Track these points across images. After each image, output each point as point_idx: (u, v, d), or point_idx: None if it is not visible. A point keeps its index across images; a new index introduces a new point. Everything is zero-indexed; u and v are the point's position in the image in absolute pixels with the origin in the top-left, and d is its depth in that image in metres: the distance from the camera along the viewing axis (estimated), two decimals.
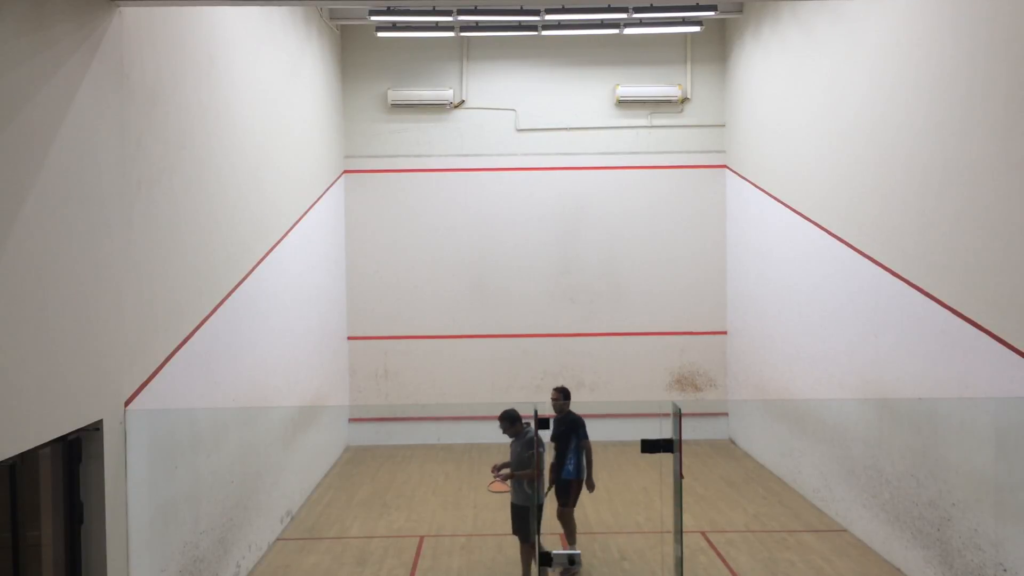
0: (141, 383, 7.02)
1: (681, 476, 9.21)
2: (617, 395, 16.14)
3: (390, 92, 15.97)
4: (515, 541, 9.24)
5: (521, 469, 8.82)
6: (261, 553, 10.10)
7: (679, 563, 9.20)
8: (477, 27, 14.86)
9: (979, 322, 7.89)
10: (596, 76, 16.22)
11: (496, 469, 9.13)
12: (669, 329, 16.24)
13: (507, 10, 13.75)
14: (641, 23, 14.68)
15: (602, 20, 14.54)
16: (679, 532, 9.20)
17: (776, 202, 13.37)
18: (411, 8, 13.61)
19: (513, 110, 16.21)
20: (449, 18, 14.08)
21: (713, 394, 16.20)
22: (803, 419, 12.30)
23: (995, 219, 7.61)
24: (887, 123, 9.63)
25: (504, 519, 11.32)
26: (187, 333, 8.03)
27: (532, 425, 8.60)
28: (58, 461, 6.10)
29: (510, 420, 9.01)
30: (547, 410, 9.62)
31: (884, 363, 9.78)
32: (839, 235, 10.98)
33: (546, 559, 7.54)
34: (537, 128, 16.23)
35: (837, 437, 11.06)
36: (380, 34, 14.96)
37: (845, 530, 10.73)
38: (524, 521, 8.81)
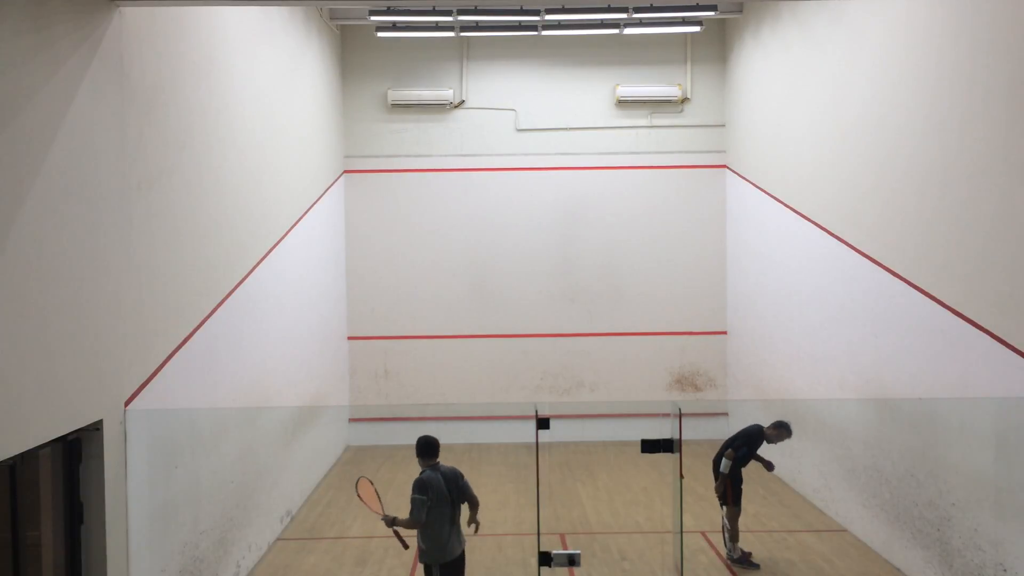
0: (141, 383, 7.02)
1: (681, 476, 9.23)
2: (617, 395, 16.13)
3: (390, 92, 15.97)
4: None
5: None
6: (261, 553, 10.10)
7: (679, 563, 9.20)
8: (477, 27, 14.86)
9: (979, 322, 7.89)
10: (596, 76, 16.21)
11: (391, 523, 7.49)
12: (669, 329, 16.23)
13: (507, 10, 13.73)
14: (641, 23, 14.67)
15: (602, 20, 14.53)
16: (680, 532, 9.22)
17: (776, 202, 13.36)
18: (411, 8, 13.60)
19: (513, 110, 16.21)
20: (449, 18, 14.08)
21: (713, 394, 16.19)
22: (803, 419, 12.30)
23: (996, 219, 7.61)
24: (887, 123, 9.62)
25: (504, 518, 11.34)
26: (187, 333, 8.03)
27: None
28: (58, 461, 6.10)
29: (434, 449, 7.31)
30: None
31: (884, 363, 9.78)
32: (839, 235, 10.98)
33: (546, 559, 7.52)
34: (537, 128, 16.23)
35: (837, 437, 11.05)
36: (380, 34, 14.96)
37: (845, 530, 10.73)
38: None
